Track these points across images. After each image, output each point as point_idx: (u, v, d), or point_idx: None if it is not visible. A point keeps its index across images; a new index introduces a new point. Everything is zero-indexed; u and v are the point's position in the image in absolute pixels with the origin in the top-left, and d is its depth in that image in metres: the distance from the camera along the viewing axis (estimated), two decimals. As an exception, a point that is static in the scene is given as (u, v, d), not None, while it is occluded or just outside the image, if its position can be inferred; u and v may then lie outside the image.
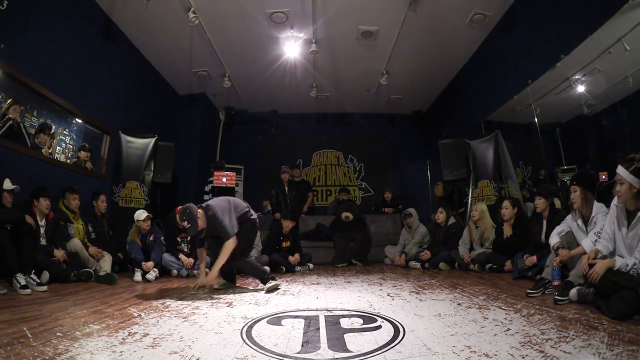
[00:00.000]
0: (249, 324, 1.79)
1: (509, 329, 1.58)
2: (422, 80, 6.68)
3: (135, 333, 1.59)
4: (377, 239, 5.79)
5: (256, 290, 2.94)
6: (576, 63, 3.92)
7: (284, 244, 4.71)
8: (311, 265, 4.81)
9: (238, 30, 5.13)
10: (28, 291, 2.50)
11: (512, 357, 1.24)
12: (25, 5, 3.50)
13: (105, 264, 3.54)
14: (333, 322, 1.83)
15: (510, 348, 1.33)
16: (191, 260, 3.97)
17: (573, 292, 2.09)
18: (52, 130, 4.03)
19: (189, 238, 4.22)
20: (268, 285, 2.90)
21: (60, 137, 4.23)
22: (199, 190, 6.55)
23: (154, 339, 1.51)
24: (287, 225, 4.72)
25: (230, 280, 3.19)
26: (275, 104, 7.60)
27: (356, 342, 1.47)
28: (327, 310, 2.12)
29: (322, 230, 5.95)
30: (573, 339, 1.40)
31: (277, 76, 6.25)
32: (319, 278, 3.78)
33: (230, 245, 2.83)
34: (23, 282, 2.55)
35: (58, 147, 4.19)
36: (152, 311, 2.07)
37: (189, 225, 2.82)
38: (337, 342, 1.49)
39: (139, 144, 5.19)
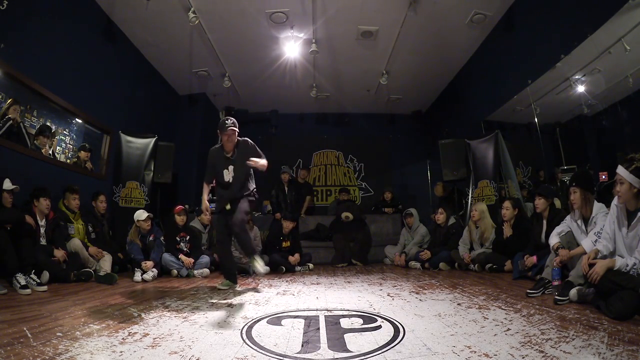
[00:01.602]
0: (249, 324, 1.79)
1: (509, 329, 1.58)
2: (422, 80, 6.68)
3: (135, 333, 1.59)
4: (377, 239, 5.79)
5: (256, 291, 2.94)
6: (576, 63, 3.93)
7: (284, 244, 4.71)
8: (311, 265, 4.81)
9: (238, 30, 5.13)
10: (28, 291, 2.50)
11: (512, 357, 1.24)
12: (25, 5, 3.50)
13: (105, 264, 3.54)
14: (333, 322, 1.83)
15: (510, 348, 1.33)
16: (191, 260, 3.97)
17: (573, 292, 2.09)
18: (52, 130, 4.03)
19: (188, 238, 4.22)
20: (253, 263, 2.92)
21: (60, 137, 4.23)
22: (198, 190, 6.53)
23: (154, 339, 1.51)
24: (287, 225, 4.71)
25: (233, 280, 3.17)
26: (275, 104, 7.61)
27: (356, 342, 1.47)
28: (327, 310, 2.12)
29: (322, 230, 5.95)
30: (573, 339, 1.40)
31: (277, 76, 6.25)
32: (319, 278, 3.78)
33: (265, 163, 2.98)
34: (23, 282, 2.55)
35: (58, 147, 4.19)
36: (152, 311, 2.07)
37: (230, 125, 2.92)
38: (337, 342, 1.48)
39: (139, 144, 5.19)
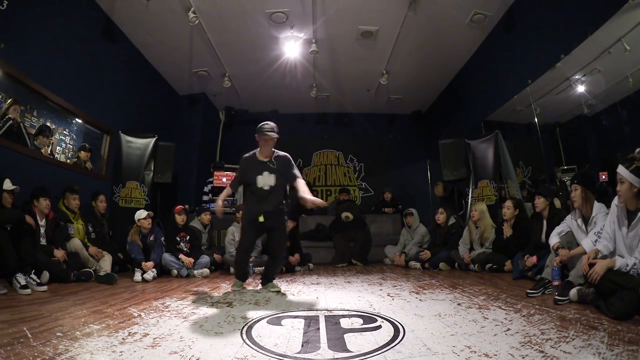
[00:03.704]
0: (249, 324, 1.79)
1: (509, 329, 1.58)
2: (422, 80, 6.68)
3: (135, 333, 1.59)
4: (377, 239, 5.79)
5: (256, 291, 2.94)
6: (576, 63, 3.92)
7: (283, 244, 4.70)
8: (311, 265, 4.81)
9: (238, 30, 5.13)
10: (28, 291, 2.50)
11: (512, 357, 1.24)
12: (25, 5, 3.50)
13: (105, 264, 3.54)
14: (333, 322, 1.83)
15: (510, 348, 1.32)
16: (191, 260, 3.97)
17: (573, 292, 2.09)
18: (52, 129, 4.03)
19: (188, 237, 4.22)
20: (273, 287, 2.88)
21: (60, 137, 4.23)
22: (198, 190, 6.55)
23: (154, 339, 1.51)
24: (287, 225, 4.70)
25: (244, 280, 3.10)
26: (275, 104, 7.61)
27: (356, 342, 1.47)
28: (327, 310, 2.12)
29: (322, 230, 5.95)
30: (573, 339, 1.40)
31: (277, 76, 6.25)
32: (319, 278, 3.78)
33: (304, 182, 2.86)
34: (23, 282, 2.55)
35: (58, 147, 4.19)
36: (152, 311, 2.07)
37: (268, 130, 2.74)
38: (337, 342, 1.48)
39: (139, 144, 5.19)
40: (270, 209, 2.83)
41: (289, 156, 2.95)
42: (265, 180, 2.81)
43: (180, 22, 4.82)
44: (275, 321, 1.85)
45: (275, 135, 2.78)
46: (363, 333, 1.61)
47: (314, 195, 7.41)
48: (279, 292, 2.81)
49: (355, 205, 6.39)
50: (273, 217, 2.86)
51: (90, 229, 3.92)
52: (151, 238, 3.94)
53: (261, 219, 2.81)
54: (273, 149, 2.87)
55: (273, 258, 3.03)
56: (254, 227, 2.90)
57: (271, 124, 2.81)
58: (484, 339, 1.45)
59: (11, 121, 3.43)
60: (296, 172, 2.92)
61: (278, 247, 3.01)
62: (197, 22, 4.57)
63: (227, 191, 3.00)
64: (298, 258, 4.62)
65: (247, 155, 2.95)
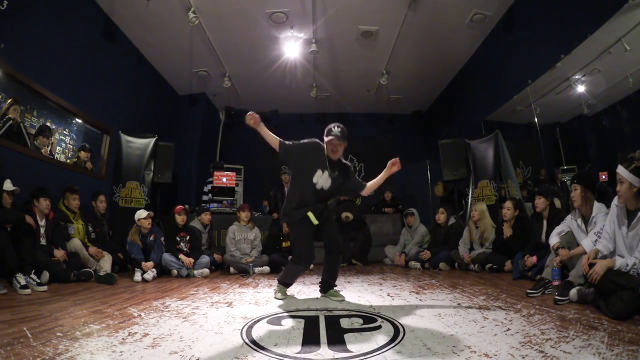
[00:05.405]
0: (249, 324, 1.79)
1: (509, 329, 1.58)
2: (422, 80, 6.69)
3: (135, 333, 1.59)
4: (377, 239, 5.78)
5: (256, 291, 2.94)
6: (576, 63, 3.93)
7: (283, 244, 4.70)
8: (311, 266, 4.80)
9: (238, 30, 5.13)
10: (28, 291, 2.50)
11: (512, 357, 1.24)
12: (25, 5, 3.50)
13: (105, 264, 3.54)
14: (333, 322, 1.82)
15: (510, 348, 1.32)
16: (191, 260, 3.97)
17: (573, 292, 2.09)
18: (52, 129, 4.03)
19: (188, 237, 4.22)
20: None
21: (60, 137, 4.23)
22: (198, 190, 6.55)
23: (154, 339, 1.51)
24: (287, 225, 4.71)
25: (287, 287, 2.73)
26: (275, 104, 7.61)
27: (356, 342, 1.47)
28: (327, 310, 2.12)
29: (322, 230, 5.94)
30: (573, 339, 1.40)
31: (277, 76, 6.26)
32: (319, 278, 3.76)
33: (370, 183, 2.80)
34: (23, 282, 2.55)
35: (58, 147, 4.19)
36: (152, 311, 2.07)
37: (337, 133, 2.38)
38: (337, 342, 1.48)
39: (139, 144, 5.19)
40: (320, 209, 2.50)
41: (351, 166, 2.71)
42: (322, 180, 2.48)
43: (180, 22, 4.82)
44: (275, 321, 1.85)
45: (344, 142, 2.44)
46: (363, 333, 1.61)
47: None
48: (342, 300, 2.47)
49: (355, 205, 6.38)
50: (324, 214, 2.54)
51: (90, 229, 3.92)
52: (151, 238, 3.94)
53: (315, 221, 2.45)
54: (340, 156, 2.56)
55: (331, 254, 2.61)
56: (310, 233, 2.53)
57: (341, 126, 2.44)
58: (484, 339, 1.44)
59: (11, 121, 3.43)
60: (357, 178, 2.78)
61: (334, 238, 2.59)
62: (197, 22, 4.57)
63: (274, 138, 2.54)
64: (298, 258, 4.61)
65: (320, 142, 2.52)
